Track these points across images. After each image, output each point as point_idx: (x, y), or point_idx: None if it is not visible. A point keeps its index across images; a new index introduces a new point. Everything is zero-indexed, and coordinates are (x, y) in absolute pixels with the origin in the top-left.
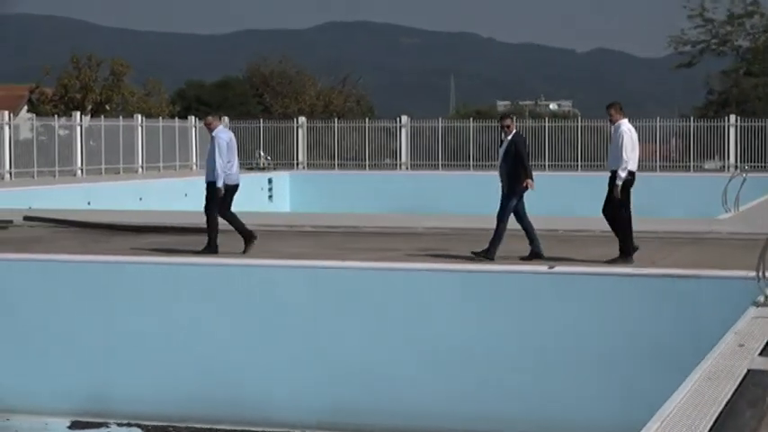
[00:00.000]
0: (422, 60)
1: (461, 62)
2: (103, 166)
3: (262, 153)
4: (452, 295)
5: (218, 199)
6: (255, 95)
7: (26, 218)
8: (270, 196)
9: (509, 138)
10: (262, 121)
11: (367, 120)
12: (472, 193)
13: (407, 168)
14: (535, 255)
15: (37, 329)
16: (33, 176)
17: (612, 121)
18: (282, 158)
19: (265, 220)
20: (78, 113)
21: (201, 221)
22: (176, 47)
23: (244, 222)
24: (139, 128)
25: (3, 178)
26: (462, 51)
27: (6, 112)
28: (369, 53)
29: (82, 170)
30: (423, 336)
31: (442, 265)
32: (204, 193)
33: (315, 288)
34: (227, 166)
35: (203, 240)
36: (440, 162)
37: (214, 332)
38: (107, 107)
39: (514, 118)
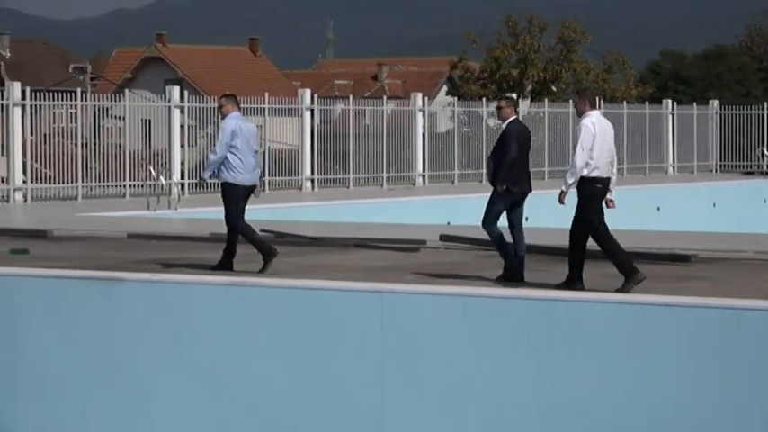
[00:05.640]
0: None
1: None
2: (547, 169)
3: (766, 151)
4: None
5: (237, 201)
6: (759, 70)
7: (443, 237)
8: None
9: (503, 125)
10: (767, 105)
11: None
12: None
13: None
14: (508, 275)
15: (451, 387)
16: (453, 182)
17: (579, 113)
18: None
19: (759, 243)
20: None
21: (660, 246)
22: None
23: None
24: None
25: (414, 183)
26: None
27: (420, 95)
28: None
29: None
30: None
31: None
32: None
33: None
34: (243, 163)
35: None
36: None
37: None
38: (552, 87)
39: (514, 100)
